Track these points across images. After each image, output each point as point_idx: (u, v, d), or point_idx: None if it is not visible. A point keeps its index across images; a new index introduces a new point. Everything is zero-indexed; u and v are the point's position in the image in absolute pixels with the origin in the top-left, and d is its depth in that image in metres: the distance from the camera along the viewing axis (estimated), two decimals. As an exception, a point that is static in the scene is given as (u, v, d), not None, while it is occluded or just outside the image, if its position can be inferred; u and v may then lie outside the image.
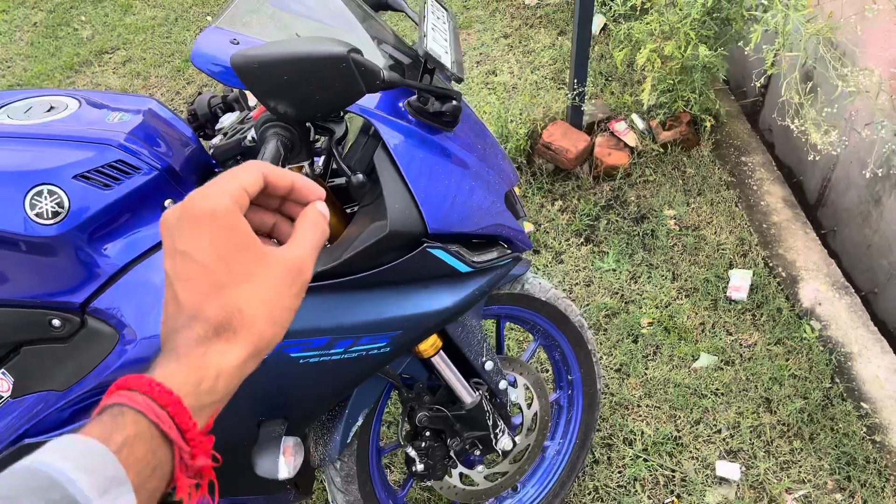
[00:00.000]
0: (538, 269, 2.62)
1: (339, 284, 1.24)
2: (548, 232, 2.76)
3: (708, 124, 2.89)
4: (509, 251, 1.38)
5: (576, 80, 2.77)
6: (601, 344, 2.37)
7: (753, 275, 2.50)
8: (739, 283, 2.47)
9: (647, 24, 2.70)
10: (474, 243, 1.33)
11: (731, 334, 2.37)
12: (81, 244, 1.25)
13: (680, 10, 2.55)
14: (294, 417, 1.39)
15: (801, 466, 2.04)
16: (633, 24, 2.81)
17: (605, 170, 2.89)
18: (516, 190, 1.84)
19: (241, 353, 0.52)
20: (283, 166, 1.15)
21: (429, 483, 1.71)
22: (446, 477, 1.75)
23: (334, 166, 1.42)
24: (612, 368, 2.31)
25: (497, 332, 1.84)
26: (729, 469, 2.04)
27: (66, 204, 1.23)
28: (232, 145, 1.37)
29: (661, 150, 2.92)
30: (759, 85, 2.84)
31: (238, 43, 1.13)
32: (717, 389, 2.22)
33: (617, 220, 2.77)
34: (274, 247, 0.56)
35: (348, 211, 1.49)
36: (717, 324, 2.40)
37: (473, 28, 3.74)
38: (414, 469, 1.65)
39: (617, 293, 2.53)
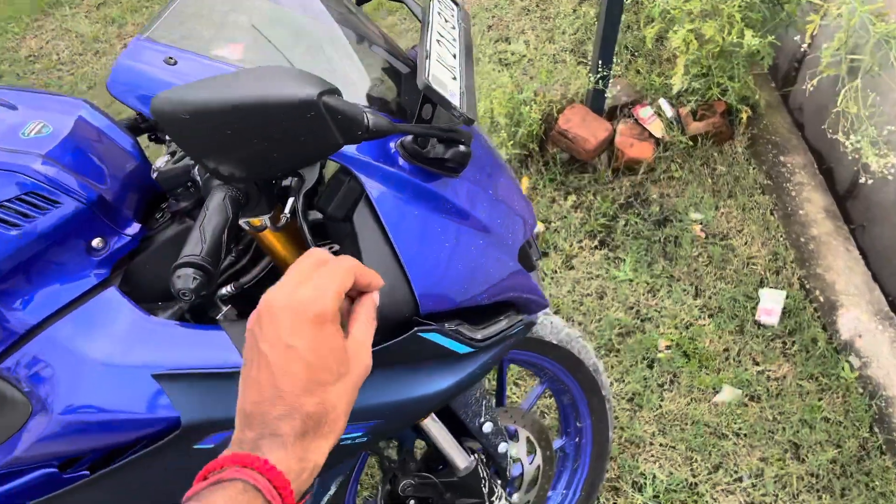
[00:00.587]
0: (549, 275, 2.36)
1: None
2: (558, 231, 2.48)
3: (744, 116, 2.58)
4: (521, 318, 1.11)
5: (600, 62, 2.44)
6: (612, 368, 2.13)
7: (787, 297, 2.23)
8: (771, 305, 2.21)
9: (687, 1, 2.36)
10: (479, 311, 1.06)
11: (758, 364, 2.13)
12: (-22, 300, 0.98)
13: (727, -12, 2.22)
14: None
15: (830, 527, 1.82)
16: (669, -2, 2.46)
17: (627, 162, 2.59)
18: (537, 227, 1.53)
19: (329, 446, 0.57)
20: (237, 220, 0.87)
21: (412, 553, 1.49)
22: (433, 543, 1.52)
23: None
24: (623, 398, 2.07)
25: (499, 379, 1.59)
26: (749, 527, 1.82)
27: (-40, 250, 0.96)
28: (178, 172, 1.07)
29: (690, 143, 2.61)
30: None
31: (175, 63, 0.84)
32: (739, 429, 1.99)
33: (636, 222, 2.48)
34: (348, 342, 0.60)
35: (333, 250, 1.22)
36: (742, 351, 2.15)
37: (487, -14, 3.37)
38: (396, 543, 1.42)
39: (632, 308, 2.27)
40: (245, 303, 1.16)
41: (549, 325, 1.52)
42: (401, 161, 0.92)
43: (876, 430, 1.95)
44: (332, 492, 1.33)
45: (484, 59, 3.00)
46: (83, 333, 1.01)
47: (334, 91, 0.73)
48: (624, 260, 2.39)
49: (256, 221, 0.96)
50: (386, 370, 1.00)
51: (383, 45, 1.10)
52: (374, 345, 0.94)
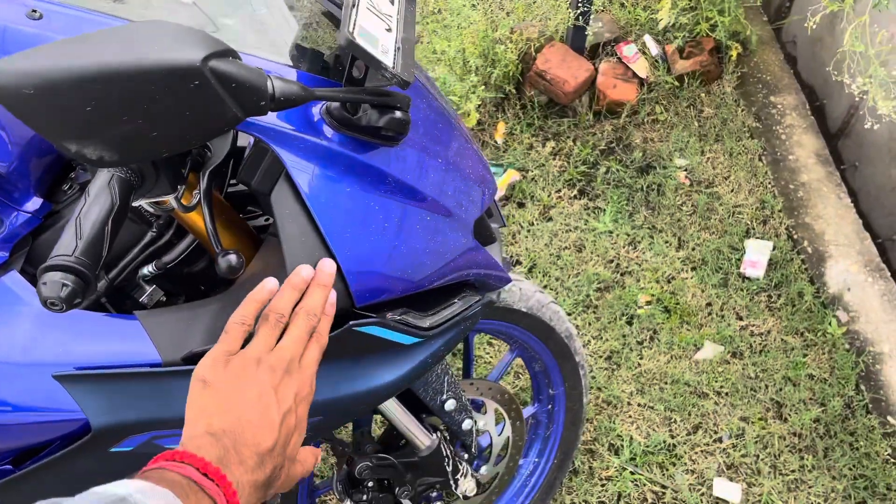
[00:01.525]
0: (525, 228, 2.23)
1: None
2: (536, 181, 2.34)
3: (734, 53, 2.42)
4: (478, 298, 1.00)
5: (580, -4, 2.26)
6: (589, 325, 2.04)
7: (774, 248, 2.13)
8: (756, 257, 2.11)
9: (675, -73, 2.17)
10: (428, 294, 0.95)
11: (741, 319, 2.04)
12: None
13: (718, -88, 2.02)
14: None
15: (811, 488, 1.76)
16: (656, -76, 2.27)
17: (609, 105, 2.44)
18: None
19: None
20: (127, 206, 0.74)
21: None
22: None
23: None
24: (600, 356, 1.98)
25: (465, 351, 1.49)
26: (728, 489, 1.76)
27: None
28: None
29: (676, 83, 2.46)
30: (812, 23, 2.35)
31: (41, 17, 0.69)
32: (720, 388, 1.91)
33: (618, 170, 2.35)
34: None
35: (264, 221, 1.09)
36: (726, 305, 2.06)
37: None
38: (353, 524, 1.34)
39: (612, 262, 2.16)
40: (171, 282, 1.03)
41: (517, 292, 1.41)
42: (327, 130, 0.78)
43: (862, 388, 1.88)
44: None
45: (457, -7, 2.79)
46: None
47: (226, 53, 0.59)
48: (604, 210, 2.26)
49: (159, 203, 0.83)
50: (323, 365, 0.89)
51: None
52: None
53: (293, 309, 0.69)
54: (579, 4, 2.28)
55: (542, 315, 1.44)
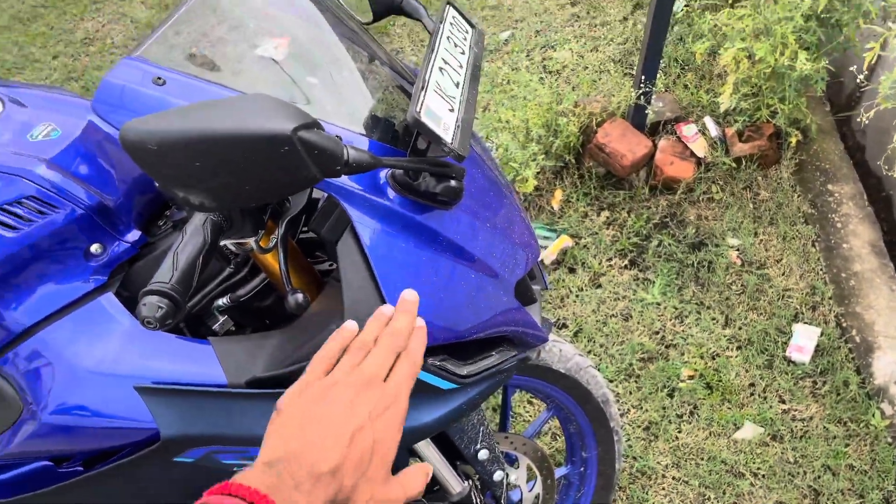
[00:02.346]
0: (574, 293, 2.30)
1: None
2: (588, 248, 2.42)
3: (794, 140, 2.47)
4: (514, 353, 1.08)
5: (643, 76, 2.37)
6: (630, 394, 2.07)
7: (821, 334, 2.14)
8: (803, 341, 2.11)
9: (739, 18, 2.27)
10: (468, 345, 1.03)
11: (784, 402, 2.04)
12: (-22, 297, 1.00)
13: (781, 8, 2.12)
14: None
15: (845, 582, 1.74)
16: (721, 14, 2.37)
17: (665, 181, 2.51)
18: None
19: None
20: (216, 245, 0.86)
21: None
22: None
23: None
24: (638, 426, 2.01)
25: (503, 404, 1.56)
26: (758, 573, 1.75)
27: (-41, 248, 0.97)
28: None
29: (734, 164, 2.52)
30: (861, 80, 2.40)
31: (164, 84, 0.83)
32: (758, 469, 1.91)
33: (670, 244, 2.41)
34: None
35: (328, 266, 1.21)
36: (769, 387, 2.07)
37: (538, -10, 3.31)
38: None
39: (657, 333, 2.20)
40: (241, 314, 1.15)
41: (557, 353, 1.48)
42: (390, 192, 0.90)
43: (904, 484, 1.85)
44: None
45: (526, 67, 2.94)
46: (77, 337, 1.01)
47: (312, 125, 0.71)
48: (653, 282, 2.32)
49: (240, 244, 0.95)
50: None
51: (390, 67, 1.08)
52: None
53: None
54: (642, 84, 2.39)
55: (579, 378, 1.51)
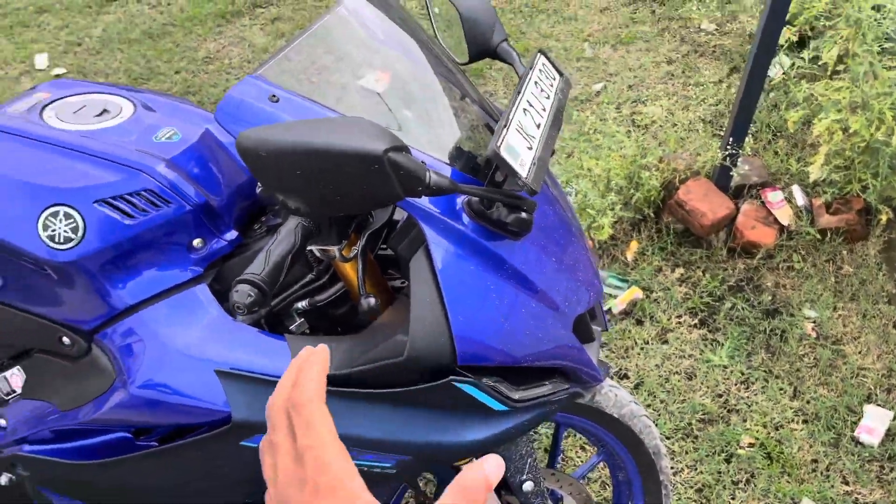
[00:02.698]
0: (639, 345, 2.31)
1: (348, 392, 1.04)
2: (658, 303, 2.42)
3: (884, 217, 2.41)
4: (567, 387, 1.12)
5: (731, 139, 2.38)
6: (686, 454, 2.05)
7: (894, 418, 2.06)
8: (874, 423, 2.04)
9: (837, 90, 2.26)
10: (523, 371, 1.09)
11: (847, 483, 1.97)
12: (93, 274, 1.13)
13: (881, 83, 2.10)
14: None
15: None
16: (818, 84, 2.37)
17: (745, 244, 2.49)
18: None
19: None
20: (304, 247, 0.95)
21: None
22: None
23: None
24: (691, 486, 1.98)
25: (554, 441, 1.59)
26: None
27: (81, 230, 1.11)
28: None
29: (818, 236, 2.47)
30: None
31: (277, 101, 0.93)
32: (812, 549, 1.85)
33: (743, 308, 2.38)
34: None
35: (400, 283, 1.29)
36: (833, 466, 2.00)
37: (634, 46, 3.37)
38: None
39: (721, 396, 2.17)
40: (317, 319, 1.24)
41: (612, 397, 1.50)
42: (465, 218, 0.97)
43: (971, 587, 1.74)
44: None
45: (614, 118, 2.99)
46: (170, 320, 1.12)
47: (402, 148, 0.79)
48: (722, 344, 2.29)
49: (323, 251, 1.04)
50: (419, 410, 1.04)
51: (479, 105, 1.16)
52: (406, 384, 1.00)
53: None
54: (728, 146, 2.40)
55: (632, 425, 1.52)
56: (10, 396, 1.43)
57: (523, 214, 0.95)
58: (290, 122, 0.80)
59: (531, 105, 1.03)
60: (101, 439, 1.23)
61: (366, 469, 1.10)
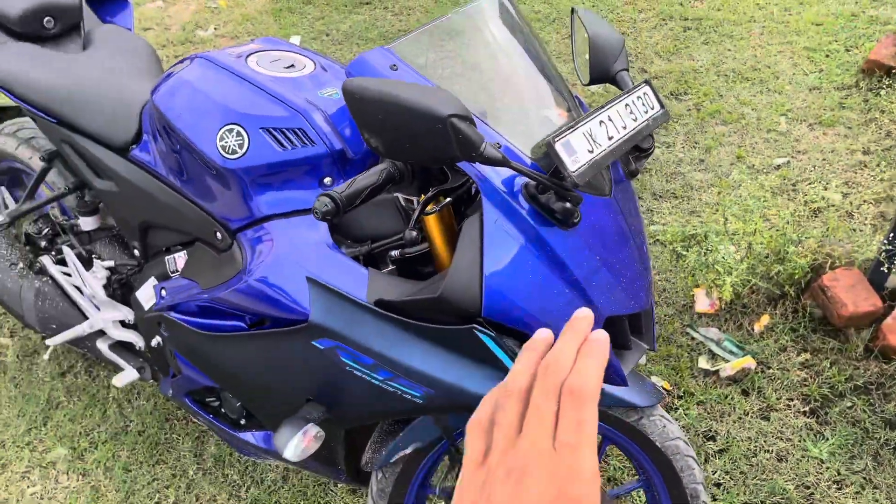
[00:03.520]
0: (737, 413, 2.27)
1: (397, 320, 1.25)
2: (771, 380, 2.35)
3: None
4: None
5: (893, 235, 2.26)
6: (749, 529, 1.99)
7: None
8: (974, 568, 1.85)
9: None
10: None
11: None
12: (246, 184, 1.44)
13: None
14: (335, 413, 1.45)
15: None
16: None
17: (885, 348, 2.34)
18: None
19: None
20: (382, 186, 1.17)
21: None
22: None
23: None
24: (743, 561, 1.93)
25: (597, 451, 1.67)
26: None
27: (246, 147, 1.42)
28: None
29: (975, 360, 2.26)
30: None
31: (396, 69, 1.17)
32: None
33: (864, 410, 2.24)
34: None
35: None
36: None
37: (833, 129, 3.25)
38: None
39: (808, 488, 2.08)
40: (404, 268, 1.46)
41: (660, 427, 1.56)
42: (521, 199, 1.14)
43: None
44: (407, 451, 1.56)
45: (787, 193, 2.92)
46: (291, 234, 1.40)
47: (466, 118, 0.99)
48: (827, 438, 2.18)
49: (408, 201, 1.25)
50: (447, 351, 1.22)
51: (571, 107, 1.32)
52: (438, 322, 1.18)
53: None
54: (889, 243, 2.28)
55: (674, 460, 1.56)
56: (173, 273, 1.81)
57: (568, 204, 1.10)
58: (387, 79, 1.03)
59: (611, 119, 1.17)
60: (225, 322, 1.54)
61: (399, 392, 1.30)
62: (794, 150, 3.19)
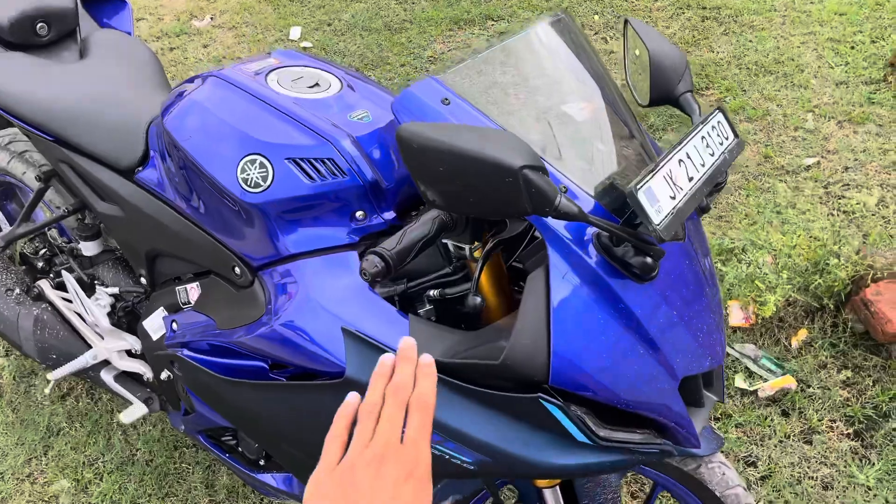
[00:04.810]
0: (778, 436, 2.16)
1: (447, 381, 1.12)
2: (812, 400, 2.24)
3: None
4: (658, 441, 1.11)
5: (944, 248, 2.14)
6: (797, 564, 1.89)
7: None
8: None
9: None
10: (618, 414, 1.09)
11: None
12: (271, 219, 1.30)
13: None
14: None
15: None
16: None
17: (932, 365, 2.23)
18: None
19: None
20: (436, 238, 1.04)
21: None
22: None
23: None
24: None
25: (648, 498, 1.55)
26: None
27: (270, 179, 1.28)
28: None
29: None
30: None
31: (448, 104, 1.03)
32: None
33: (910, 432, 2.14)
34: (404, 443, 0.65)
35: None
36: None
37: (864, 127, 3.12)
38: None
39: (855, 518, 1.97)
40: (444, 310, 1.33)
41: (719, 475, 1.44)
42: (591, 250, 1.00)
43: None
44: (445, 503, 1.44)
45: (819, 198, 2.80)
46: (321, 275, 1.26)
47: (539, 168, 0.85)
48: (874, 464, 2.08)
49: (458, 249, 1.12)
50: (506, 418, 1.09)
51: (642, 145, 1.18)
52: (498, 388, 1.05)
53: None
54: (939, 255, 2.17)
55: (732, 509, 1.45)
56: (185, 306, 1.67)
57: (648, 259, 0.96)
58: (445, 123, 0.89)
59: (689, 157, 1.03)
60: (244, 363, 1.40)
61: (447, 457, 1.17)
62: (824, 149, 3.06)
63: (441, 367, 1.11)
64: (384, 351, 1.16)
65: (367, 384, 1.23)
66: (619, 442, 1.07)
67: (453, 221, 1.03)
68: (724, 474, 1.44)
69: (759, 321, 2.41)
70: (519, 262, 1.33)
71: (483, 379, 1.07)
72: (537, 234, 1.21)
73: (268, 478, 1.68)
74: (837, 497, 2.02)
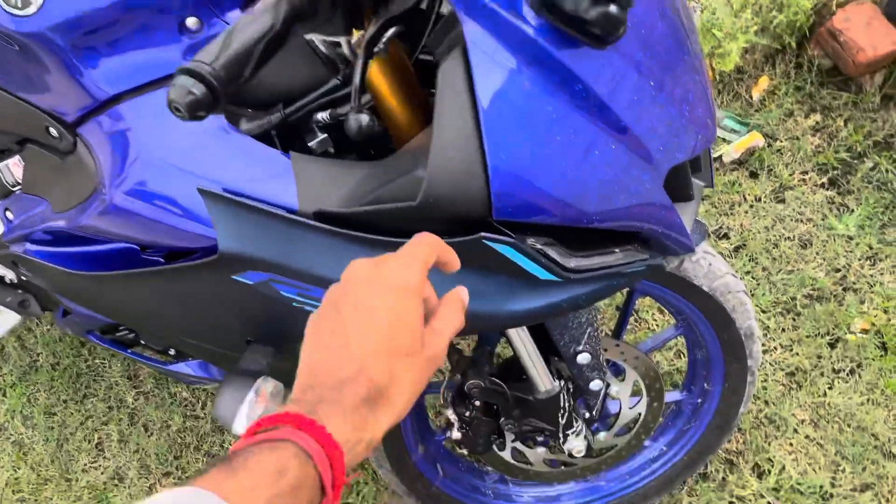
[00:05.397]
0: (748, 201, 1.96)
1: (355, 236, 0.81)
2: (781, 154, 2.02)
3: None
4: (645, 257, 0.85)
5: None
6: (783, 331, 1.77)
7: None
8: None
9: None
10: (587, 232, 0.81)
11: (976, 390, 1.66)
12: (64, 53, 0.91)
13: None
14: (289, 353, 1.06)
15: None
16: None
17: (906, 92, 2.01)
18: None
19: (388, 423, 0.53)
20: (286, 32, 0.68)
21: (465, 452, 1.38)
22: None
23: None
24: (782, 369, 1.72)
25: (624, 308, 1.35)
26: (877, 569, 1.49)
27: (40, -8, 0.87)
28: None
29: None
30: None
31: None
32: (915, 456, 1.60)
33: (888, 170, 1.95)
34: (426, 328, 0.56)
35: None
36: (962, 368, 1.69)
37: None
38: (449, 434, 1.30)
39: (838, 272, 1.84)
40: (343, 137, 1.00)
41: (705, 267, 1.22)
42: (526, 10, 0.66)
43: None
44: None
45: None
46: (155, 120, 0.91)
47: None
48: (852, 210, 1.91)
49: (333, 43, 0.76)
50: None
51: None
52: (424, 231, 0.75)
53: None
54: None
55: (724, 302, 1.25)
56: (14, 187, 1.30)
57: (612, 8, 0.63)
58: None
59: None
60: (104, 248, 1.07)
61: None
62: None
63: (345, 221, 0.81)
64: (263, 212, 0.84)
65: (252, 258, 0.94)
66: (597, 269, 0.81)
67: (311, 2, 0.67)
68: (710, 265, 1.23)
69: (718, 77, 2.12)
70: (429, 54, 0.98)
71: (403, 225, 0.76)
72: (445, 6, 0.85)
73: (182, 367, 1.44)
74: (818, 253, 1.87)
